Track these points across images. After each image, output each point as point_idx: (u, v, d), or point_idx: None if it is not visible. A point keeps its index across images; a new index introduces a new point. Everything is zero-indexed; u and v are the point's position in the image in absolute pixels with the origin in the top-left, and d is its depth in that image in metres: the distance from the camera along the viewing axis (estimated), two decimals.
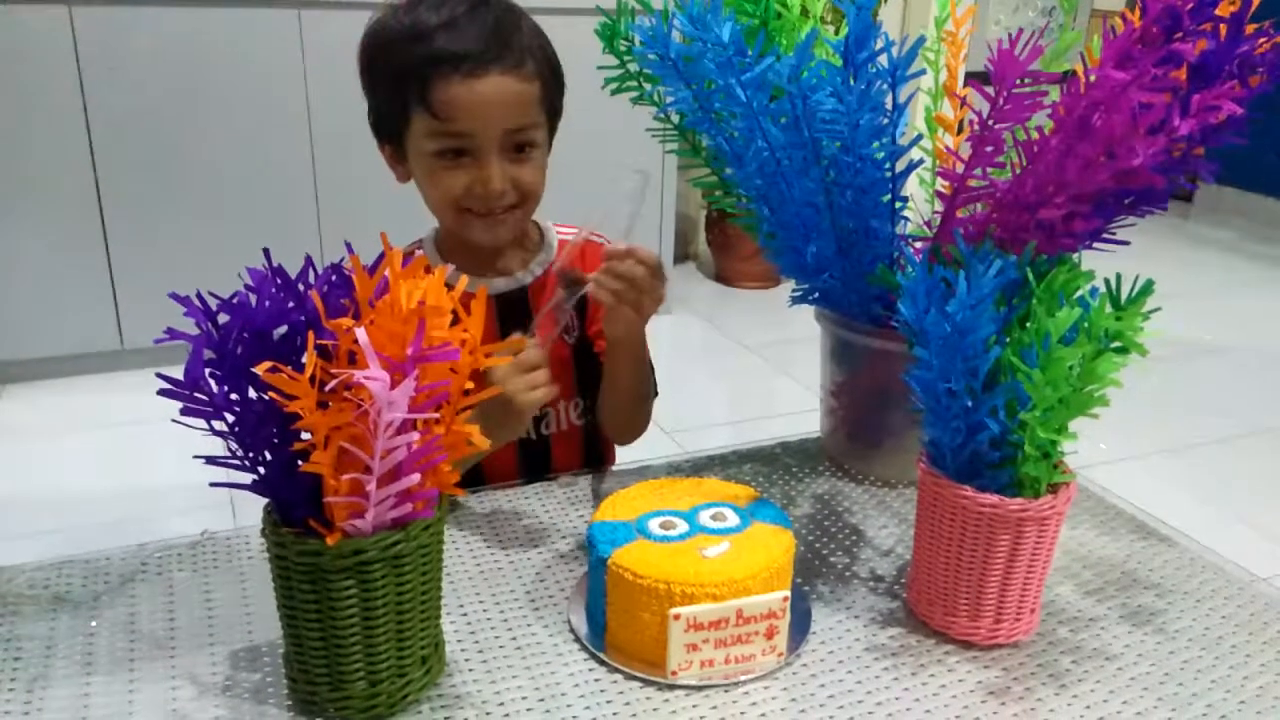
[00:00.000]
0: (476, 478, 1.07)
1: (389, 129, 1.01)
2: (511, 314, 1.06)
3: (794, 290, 1.02)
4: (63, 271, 2.50)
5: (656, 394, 1.13)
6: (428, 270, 0.65)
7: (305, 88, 2.55)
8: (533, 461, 1.11)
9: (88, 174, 2.45)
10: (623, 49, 1.00)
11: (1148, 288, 0.73)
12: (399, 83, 0.96)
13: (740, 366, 2.87)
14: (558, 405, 1.10)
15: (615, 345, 1.03)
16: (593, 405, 1.12)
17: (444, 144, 0.96)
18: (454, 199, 0.99)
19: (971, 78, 0.86)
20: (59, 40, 2.34)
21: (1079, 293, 0.76)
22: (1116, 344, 0.72)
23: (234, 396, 0.64)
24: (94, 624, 0.80)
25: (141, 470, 2.14)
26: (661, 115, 1.05)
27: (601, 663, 0.77)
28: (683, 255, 3.71)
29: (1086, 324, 0.71)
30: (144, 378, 0.74)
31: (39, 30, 2.32)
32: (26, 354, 2.54)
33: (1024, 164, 0.82)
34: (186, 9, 2.41)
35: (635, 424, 1.11)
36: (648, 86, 1.02)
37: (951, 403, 0.76)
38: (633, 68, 1.00)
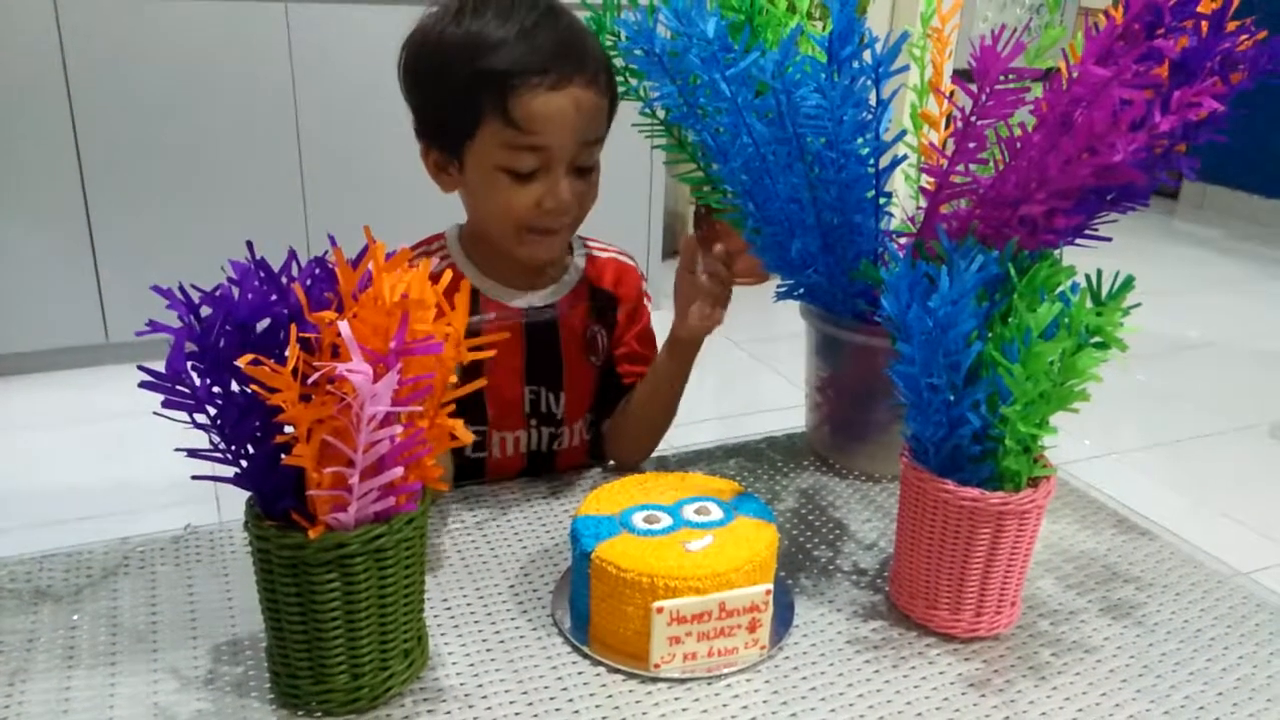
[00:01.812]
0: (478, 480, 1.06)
1: (445, 138, 0.96)
2: (539, 332, 1.03)
3: (779, 286, 1.02)
4: (47, 265, 2.48)
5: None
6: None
7: (292, 81, 2.53)
8: (538, 473, 1.09)
9: (73, 168, 2.43)
10: (608, 44, 1.00)
11: (1128, 283, 0.74)
12: (469, 91, 0.91)
13: (726, 362, 2.87)
14: (572, 425, 1.08)
15: (676, 347, 1.01)
16: (599, 422, 1.10)
17: (519, 156, 0.92)
18: (519, 214, 0.95)
19: (958, 74, 0.87)
20: (44, 31, 2.32)
21: (1060, 288, 0.76)
22: (1097, 339, 0.72)
23: (216, 389, 0.64)
24: (76, 618, 0.79)
25: (125, 464, 2.13)
26: (647, 110, 1.05)
27: (584, 656, 0.77)
28: (671, 250, 3.71)
29: (1067, 319, 0.72)
30: (128, 371, 0.74)
31: (23, 20, 2.30)
32: (10, 348, 2.53)
33: (1006, 160, 0.83)
34: (173, 0, 2.40)
35: (645, 445, 1.08)
36: (633, 81, 1.02)
37: (933, 397, 0.76)
38: (618, 63, 1.00)
